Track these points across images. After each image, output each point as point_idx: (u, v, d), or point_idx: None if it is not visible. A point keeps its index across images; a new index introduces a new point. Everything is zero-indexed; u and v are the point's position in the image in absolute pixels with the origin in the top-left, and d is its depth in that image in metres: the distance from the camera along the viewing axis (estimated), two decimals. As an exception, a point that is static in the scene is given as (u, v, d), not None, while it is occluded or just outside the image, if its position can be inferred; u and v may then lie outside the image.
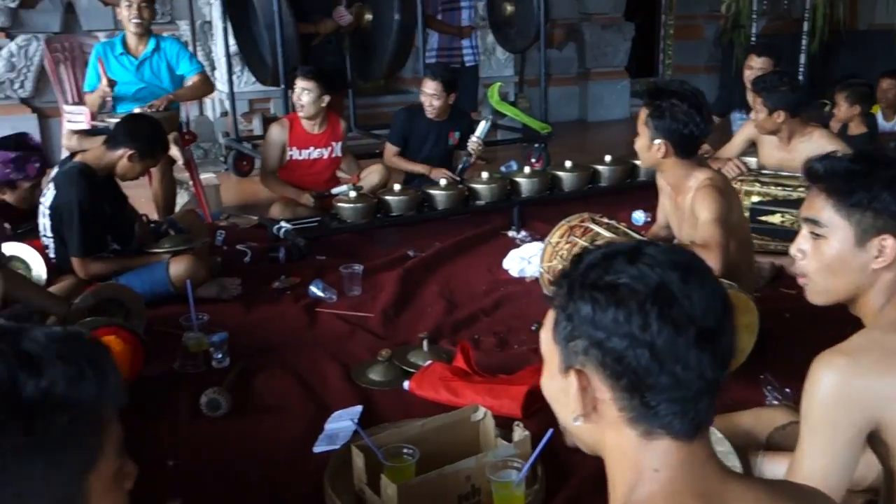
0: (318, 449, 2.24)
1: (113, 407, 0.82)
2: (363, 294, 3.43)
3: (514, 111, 5.81)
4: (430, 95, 4.50)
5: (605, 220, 2.90)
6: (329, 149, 4.47)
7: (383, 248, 4.09)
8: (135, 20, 4.22)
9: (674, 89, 2.48)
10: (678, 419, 0.90)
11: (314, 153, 4.44)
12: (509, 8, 6.54)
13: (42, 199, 3.25)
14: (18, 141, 3.48)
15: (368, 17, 5.69)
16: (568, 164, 4.55)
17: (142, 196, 4.47)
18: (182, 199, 4.71)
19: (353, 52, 6.02)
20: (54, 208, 3.17)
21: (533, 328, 3.00)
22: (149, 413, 2.44)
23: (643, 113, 2.53)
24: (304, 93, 4.23)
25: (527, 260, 3.61)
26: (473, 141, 4.50)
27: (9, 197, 3.46)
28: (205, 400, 2.42)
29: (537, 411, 2.37)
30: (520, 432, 2.01)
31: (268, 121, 6.44)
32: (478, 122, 4.63)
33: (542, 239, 3.98)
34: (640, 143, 2.57)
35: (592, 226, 2.81)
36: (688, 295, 0.89)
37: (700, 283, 0.91)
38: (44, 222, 3.24)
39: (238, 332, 2.94)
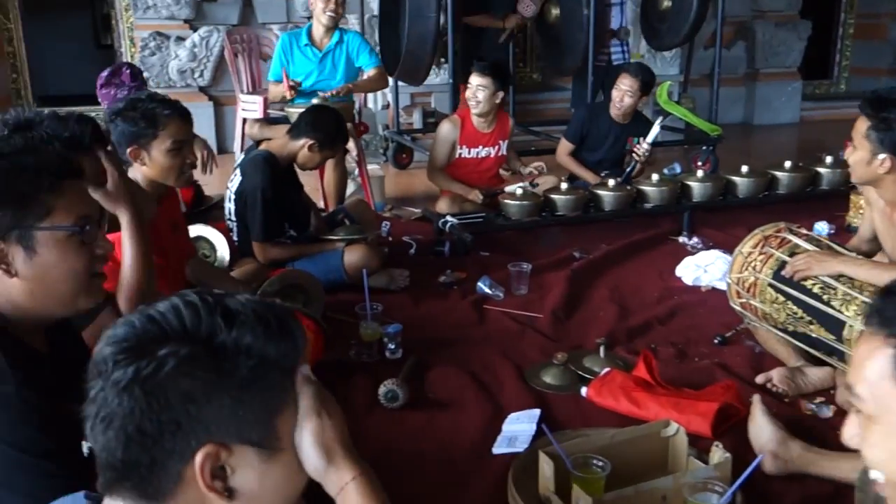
0: (497, 450, 2.20)
1: (298, 364, 0.92)
2: (530, 293, 3.38)
3: (683, 112, 5.59)
4: (625, 91, 4.41)
5: (804, 230, 2.70)
6: (496, 147, 4.44)
7: (548, 248, 4.02)
8: (330, 14, 4.32)
9: None
10: None
11: (482, 152, 4.42)
12: (665, 3, 6.30)
13: (229, 185, 3.39)
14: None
15: (556, 11, 5.63)
16: (744, 168, 4.32)
17: (307, 184, 4.59)
18: (348, 189, 4.81)
19: (542, 47, 5.99)
20: (239, 193, 3.30)
21: (715, 342, 2.85)
22: (328, 399, 2.47)
23: (863, 125, 2.34)
24: (480, 89, 4.20)
25: (702, 268, 3.45)
26: (643, 147, 4.36)
27: None
28: (383, 391, 2.43)
29: (726, 431, 2.24)
30: (720, 454, 1.89)
31: (427, 114, 6.52)
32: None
33: (715, 246, 3.81)
34: (858, 157, 2.37)
35: (791, 237, 2.62)
36: None
37: None
38: (229, 206, 3.38)
39: (408, 324, 2.94)
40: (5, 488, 1.20)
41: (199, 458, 0.83)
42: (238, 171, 3.37)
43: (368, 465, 1.02)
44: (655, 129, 4.38)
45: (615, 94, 4.47)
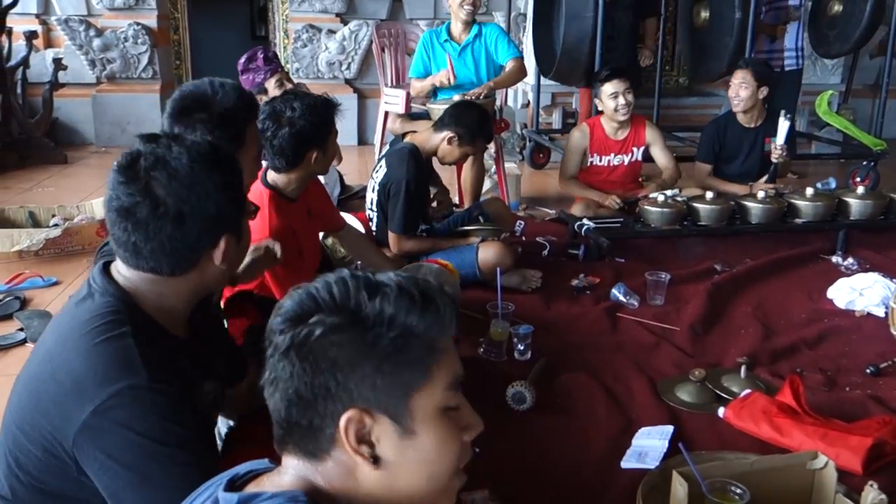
0: (626, 464, 2.12)
1: (445, 341, 0.93)
2: (667, 304, 3.25)
3: (844, 123, 5.25)
4: (738, 85, 4.23)
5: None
6: (629, 154, 4.32)
7: (686, 258, 3.87)
8: (467, 7, 4.34)
9: None
10: None
11: (615, 160, 4.32)
12: (836, 7, 5.92)
13: (373, 175, 3.45)
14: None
15: (705, 14, 5.44)
16: (913, 186, 4.01)
17: (444, 180, 4.61)
18: (484, 186, 4.81)
19: (688, 51, 5.80)
20: (383, 184, 3.35)
21: (867, 371, 2.65)
22: (455, 395, 2.47)
23: None
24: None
25: (858, 291, 3.21)
26: (777, 151, 4.12)
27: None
28: (511, 392, 2.40)
29: (879, 469, 2.07)
30: (874, 494, 1.74)
31: (567, 115, 6.43)
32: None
33: (872, 269, 3.56)
34: None
35: (967, 265, 2.40)
36: None
37: None
38: (371, 197, 3.45)
39: (537, 326, 2.89)
40: (141, 477, 1.24)
41: (343, 420, 0.90)
42: (383, 163, 3.42)
43: None
44: (784, 127, 4.09)
45: (730, 91, 4.32)
